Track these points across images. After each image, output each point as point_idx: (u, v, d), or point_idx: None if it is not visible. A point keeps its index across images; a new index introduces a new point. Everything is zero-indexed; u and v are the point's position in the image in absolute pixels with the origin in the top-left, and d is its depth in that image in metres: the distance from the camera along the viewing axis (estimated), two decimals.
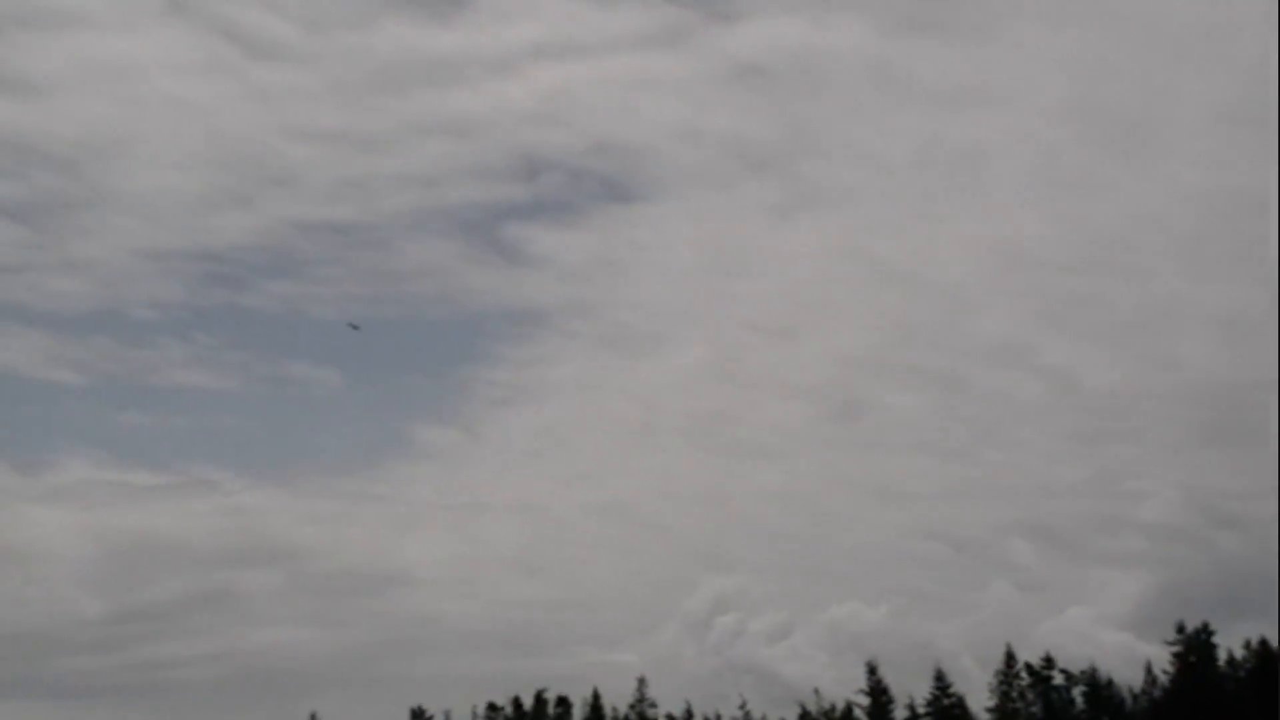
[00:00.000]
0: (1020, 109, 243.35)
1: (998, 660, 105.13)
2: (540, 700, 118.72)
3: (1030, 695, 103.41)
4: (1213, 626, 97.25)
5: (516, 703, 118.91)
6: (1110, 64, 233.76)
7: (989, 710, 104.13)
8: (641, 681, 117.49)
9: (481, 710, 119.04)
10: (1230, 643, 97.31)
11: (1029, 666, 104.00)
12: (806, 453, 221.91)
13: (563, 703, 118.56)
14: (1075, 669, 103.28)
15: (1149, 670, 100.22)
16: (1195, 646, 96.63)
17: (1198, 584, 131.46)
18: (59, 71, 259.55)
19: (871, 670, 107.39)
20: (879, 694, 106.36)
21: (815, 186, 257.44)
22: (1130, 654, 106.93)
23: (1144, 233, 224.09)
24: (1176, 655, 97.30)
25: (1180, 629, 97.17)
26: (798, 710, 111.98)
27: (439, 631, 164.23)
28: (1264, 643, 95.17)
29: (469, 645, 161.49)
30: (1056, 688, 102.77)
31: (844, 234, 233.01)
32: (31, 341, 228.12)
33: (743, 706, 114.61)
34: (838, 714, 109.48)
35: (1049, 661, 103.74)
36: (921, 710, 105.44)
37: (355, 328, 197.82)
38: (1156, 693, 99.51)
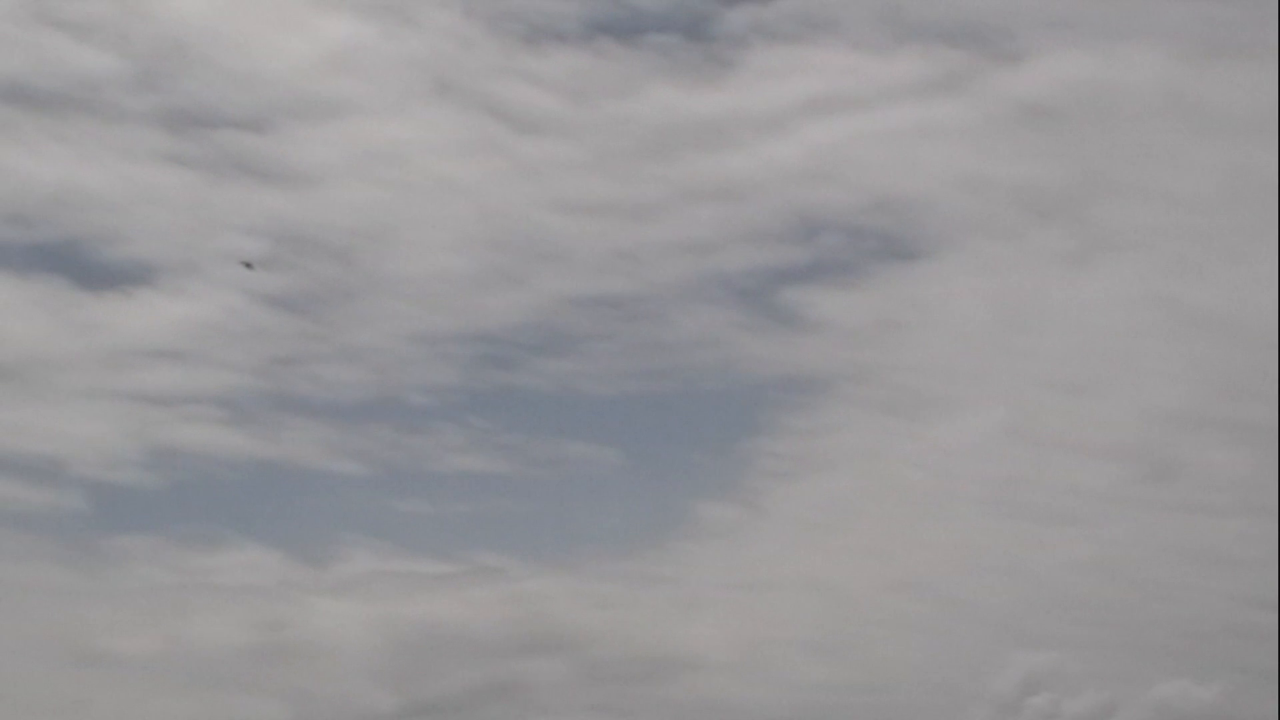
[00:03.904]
0: None
1: None
2: None
3: None
4: None
5: None
6: None
7: None
8: None
9: None
10: None
11: None
12: (1118, 517, 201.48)
13: None
14: None
15: None
16: None
17: None
18: (330, 160, 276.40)
19: None
20: None
21: (1112, 231, 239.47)
22: None
23: None
24: None
25: None
26: None
27: (731, 717, 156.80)
28: None
29: None
30: None
31: (1146, 280, 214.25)
32: (313, 433, 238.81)
33: None
34: None
35: None
36: None
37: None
38: None
